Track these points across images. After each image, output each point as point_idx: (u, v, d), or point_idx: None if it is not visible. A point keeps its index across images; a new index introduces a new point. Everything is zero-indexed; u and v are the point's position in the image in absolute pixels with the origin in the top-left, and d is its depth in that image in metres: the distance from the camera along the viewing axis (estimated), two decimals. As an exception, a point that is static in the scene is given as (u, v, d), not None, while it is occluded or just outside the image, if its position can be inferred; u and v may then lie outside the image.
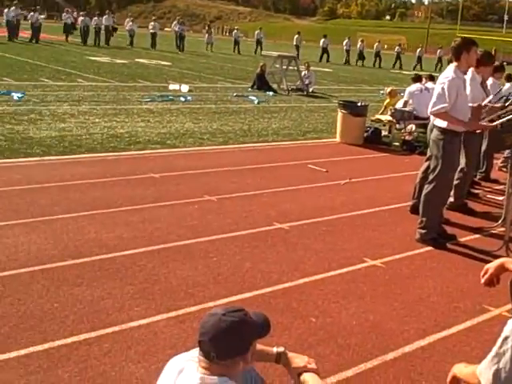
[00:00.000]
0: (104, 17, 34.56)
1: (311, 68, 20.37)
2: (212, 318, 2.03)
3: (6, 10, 30.97)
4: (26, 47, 27.82)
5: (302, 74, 19.52)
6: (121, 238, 5.38)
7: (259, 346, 2.27)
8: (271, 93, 17.99)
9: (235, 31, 41.16)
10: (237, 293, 4.47)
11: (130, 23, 35.51)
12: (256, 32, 40.91)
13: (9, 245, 5.01)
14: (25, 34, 31.74)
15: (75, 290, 4.30)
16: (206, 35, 39.63)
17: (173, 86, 16.95)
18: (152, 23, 35.30)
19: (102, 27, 33.69)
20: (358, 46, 38.37)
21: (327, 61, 36.65)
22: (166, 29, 57.67)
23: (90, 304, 4.11)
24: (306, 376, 2.31)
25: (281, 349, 2.41)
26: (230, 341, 1.99)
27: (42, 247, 5.03)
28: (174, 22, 37.85)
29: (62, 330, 3.75)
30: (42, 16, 33.07)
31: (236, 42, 39.16)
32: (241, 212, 6.47)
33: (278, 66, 20.08)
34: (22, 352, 3.47)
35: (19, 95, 12.89)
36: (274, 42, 61.13)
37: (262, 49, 35.81)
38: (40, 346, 3.54)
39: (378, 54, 38.14)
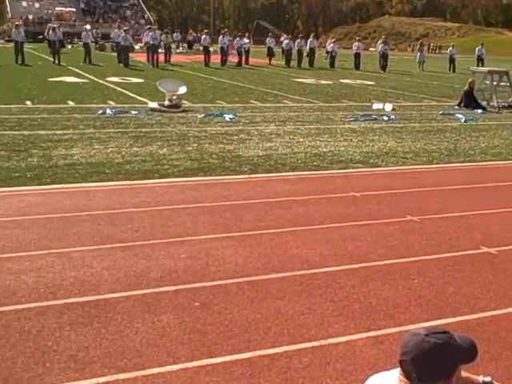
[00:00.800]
0: (309, 40, 35.65)
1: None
2: (415, 337, 1.98)
3: (220, 38, 33.34)
4: (237, 71, 29.59)
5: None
6: (321, 255, 5.47)
7: (464, 373, 2.16)
8: (480, 110, 17.12)
9: (450, 48, 39.57)
10: (439, 317, 4.31)
11: (332, 44, 36.08)
12: (477, 48, 39.07)
13: (218, 257, 5.34)
14: (234, 58, 33.95)
15: (277, 303, 4.45)
16: (418, 53, 38.70)
17: (376, 106, 16.90)
18: (356, 43, 35.54)
19: (306, 49, 34.87)
20: None
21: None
22: (370, 49, 57.72)
23: (291, 317, 4.22)
24: None
25: (488, 378, 2.26)
26: (432, 363, 1.92)
27: (248, 260, 5.29)
28: (379, 42, 37.71)
29: (264, 340, 3.90)
30: (247, 41, 35.10)
31: (451, 60, 37.59)
32: (444, 234, 6.23)
33: (488, 82, 19.09)
34: (228, 358, 3.67)
35: (231, 116, 13.74)
36: (490, 57, 58.10)
37: (483, 65, 34.14)
38: (244, 354, 3.72)
39: None
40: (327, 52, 35.46)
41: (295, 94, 19.65)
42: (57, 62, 28.94)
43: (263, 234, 5.99)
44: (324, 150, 10.52)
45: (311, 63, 35.04)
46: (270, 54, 36.16)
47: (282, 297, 4.56)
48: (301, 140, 11.39)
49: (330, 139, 11.58)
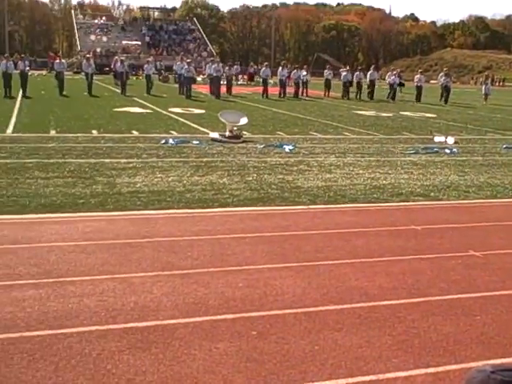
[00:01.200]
0: (369, 72, 35.75)
1: None
2: (480, 374, 1.93)
3: (279, 70, 33.81)
4: (296, 103, 29.79)
5: None
6: (381, 288, 5.40)
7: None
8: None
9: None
10: (502, 355, 4.17)
11: (393, 77, 35.93)
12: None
13: (276, 286, 5.34)
14: (291, 89, 34.33)
15: (335, 334, 4.41)
16: (483, 86, 38.10)
17: (438, 139, 16.67)
18: (417, 76, 35.30)
19: (365, 81, 35.02)
20: None
21: None
22: (431, 81, 57.20)
23: (348, 350, 4.17)
24: None
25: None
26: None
27: (306, 291, 5.27)
28: (441, 74, 37.36)
29: (321, 372, 3.87)
30: (304, 73, 35.51)
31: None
32: (509, 269, 6.06)
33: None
34: (284, 388, 3.65)
35: (290, 147, 13.81)
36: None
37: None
38: (300, 386, 3.70)
39: None
40: (390, 84, 35.35)
41: (355, 126, 19.62)
42: (123, 92, 29.89)
43: (322, 265, 5.96)
44: (384, 182, 10.44)
45: (371, 95, 35.00)
46: (327, 85, 36.36)
47: (340, 328, 4.51)
48: (360, 172, 11.34)
49: (390, 171, 11.49)
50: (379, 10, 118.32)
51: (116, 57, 38.80)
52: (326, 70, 38.02)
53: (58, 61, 30.34)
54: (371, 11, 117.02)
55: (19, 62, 28.11)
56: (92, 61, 31.51)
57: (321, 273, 5.76)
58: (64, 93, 28.09)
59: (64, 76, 29.55)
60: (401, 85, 37.13)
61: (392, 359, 4.07)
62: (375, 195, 9.40)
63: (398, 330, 4.54)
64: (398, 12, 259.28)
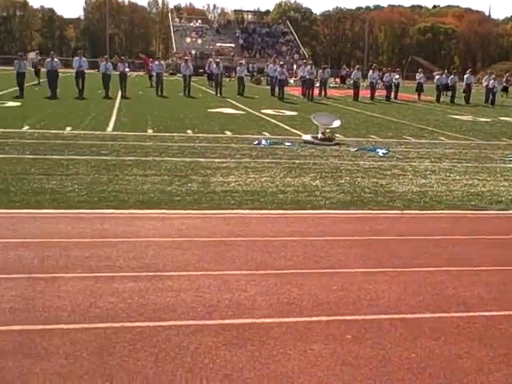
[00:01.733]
0: (465, 75, 34.76)
1: None
2: None
3: (370, 73, 33.50)
4: (390, 106, 29.31)
5: None
6: (480, 298, 5.21)
7: None
8: None
9: None
10: None
11: (491, 81, 34.67)
12: None
13: (370, 291, 5.26)
14: (381, 92, 33.85)
15: (432, 343, 4.29)
16: None
17: (540, 145, 15.95)
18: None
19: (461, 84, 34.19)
20: None
21: None
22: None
23: (447, 360, 4.05)
24: None
25: None
26: None
27: (401, 297, 5.16)
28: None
29: (418, 380, 3.76)
30: (397, 76, 35.08)
31: None
32: None
33: None
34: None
35: (384, 151, 13.60)
36: None
37: None
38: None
39: None
40: (488, 88, 34.21)
41: (451, 131, 19.08)
42: (218, 94, 30.45)
43: (417, 272, 5.82)
44: (482, 189, 10.08)
45: (467, 99, 33.95)
46: (419, 89, 35.62)
47: (438, 337, 4.39)
48: (457, 178, 11.00)
49: (488, 178, 11.08)
50: (478, 11, 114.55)
51: (210, 59, 39.57)
52: (417, 74, 37.33)
53: (156, 62, 31.20)
54: (469, 13, 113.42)
55: (119, 64, 29.08)
56: (190, 63, 32.27)
57: (416, 279, 5.62)
58: (163, 94, 28.91)
59: (163, 77, 30.40)
60: (505, 89, 35.87)
61: (494, 372, 3.91)
62: (473, 202, 9.09)
63: (500, 342, 4.36)
64: (498, 14, 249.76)
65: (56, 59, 26.31)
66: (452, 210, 8.54)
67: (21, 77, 25.22)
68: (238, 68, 34.27)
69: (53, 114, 18.73)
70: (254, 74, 47.91)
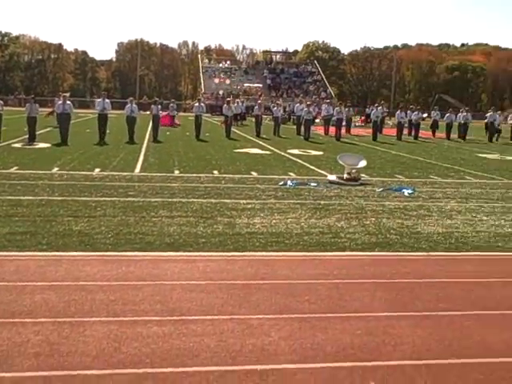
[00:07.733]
0: (488, 114, 34.85)
1: None
2: None
3: (397, 112, 33.48)
4: (416, 146, 29.25)
5: None
6: (508, 344, 5.13)
7: None
8: None
9: None
10: None
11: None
12: None
13: (395, 335, 5.23)
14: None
15: (457, 391, 4.24)
16: None
17: None
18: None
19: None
20: None
21: None
22: None
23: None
24: None
25: None
26: None
27: (426, 342, 5.11)
28: None
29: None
30: (425, 115, 35.27)
31: None
32: None
33: None
34: None
35: (410, 191, 13.56)
36: None
37: None
38: None
39: None
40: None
41: (478, 170, 18.95)
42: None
43: (443, 316, 5.77)
44: (509, 230, 9.96)
45: (490, 138, 34.05)
46: (434, 126, 35.89)
47: (463, 385, 4.33)
48: (484, 218, 10.90)
49: (516, 219, 10.96)
50: (506, 49, 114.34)
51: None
52: (432, 111, 37.57)
53: (197, 104, 29.70)
54: (498, 51, 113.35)
55: (152, 106, 27.41)
56: (232, 104, 32.15)
57: (442, 324, 5.57)
58: (199, 137, 28.11)
59: (202, 119, 29.61)
60: None
61: (520, 422, 3.84)
62: (500, 243, 8.99)
63: (527, 390, 4.28)
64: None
65: (68, 101, 23.89)
66: (478, 252, 8.45)
67: (32, 121, 23.19)
68: (274, 108, 34.48)
69: (83, 155, 19.08)
70: (291, 114, 47.63)
